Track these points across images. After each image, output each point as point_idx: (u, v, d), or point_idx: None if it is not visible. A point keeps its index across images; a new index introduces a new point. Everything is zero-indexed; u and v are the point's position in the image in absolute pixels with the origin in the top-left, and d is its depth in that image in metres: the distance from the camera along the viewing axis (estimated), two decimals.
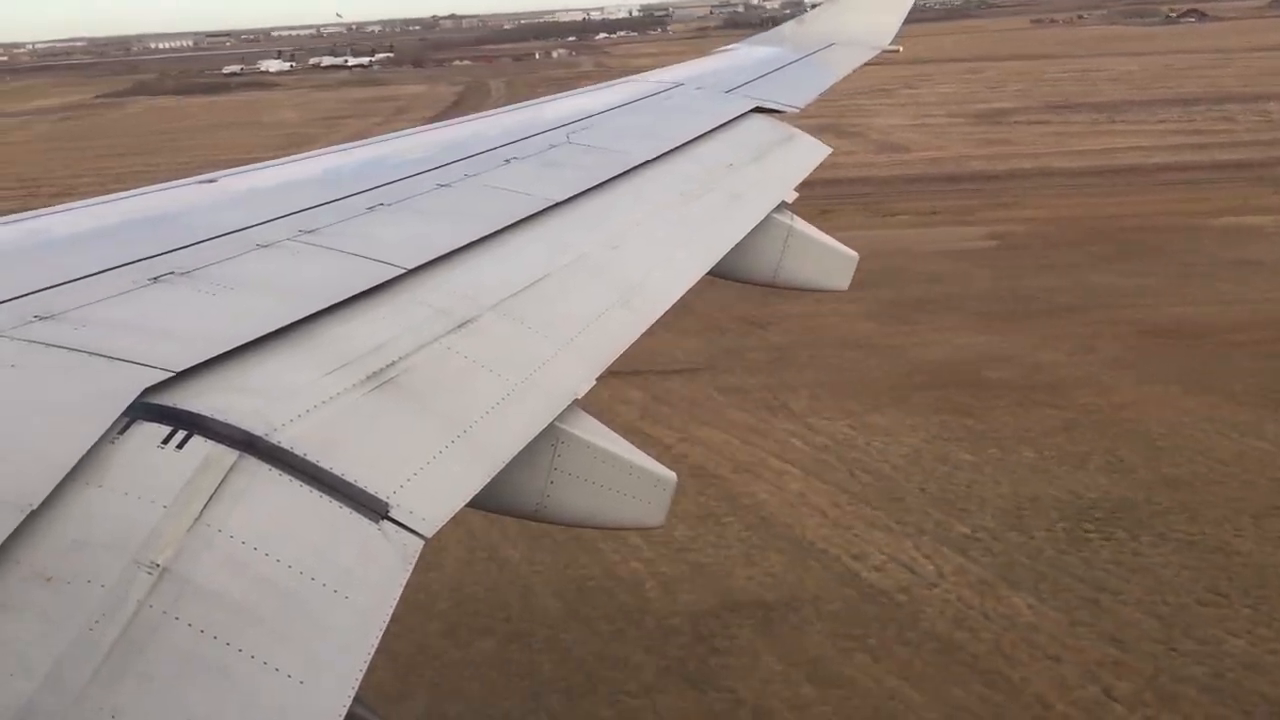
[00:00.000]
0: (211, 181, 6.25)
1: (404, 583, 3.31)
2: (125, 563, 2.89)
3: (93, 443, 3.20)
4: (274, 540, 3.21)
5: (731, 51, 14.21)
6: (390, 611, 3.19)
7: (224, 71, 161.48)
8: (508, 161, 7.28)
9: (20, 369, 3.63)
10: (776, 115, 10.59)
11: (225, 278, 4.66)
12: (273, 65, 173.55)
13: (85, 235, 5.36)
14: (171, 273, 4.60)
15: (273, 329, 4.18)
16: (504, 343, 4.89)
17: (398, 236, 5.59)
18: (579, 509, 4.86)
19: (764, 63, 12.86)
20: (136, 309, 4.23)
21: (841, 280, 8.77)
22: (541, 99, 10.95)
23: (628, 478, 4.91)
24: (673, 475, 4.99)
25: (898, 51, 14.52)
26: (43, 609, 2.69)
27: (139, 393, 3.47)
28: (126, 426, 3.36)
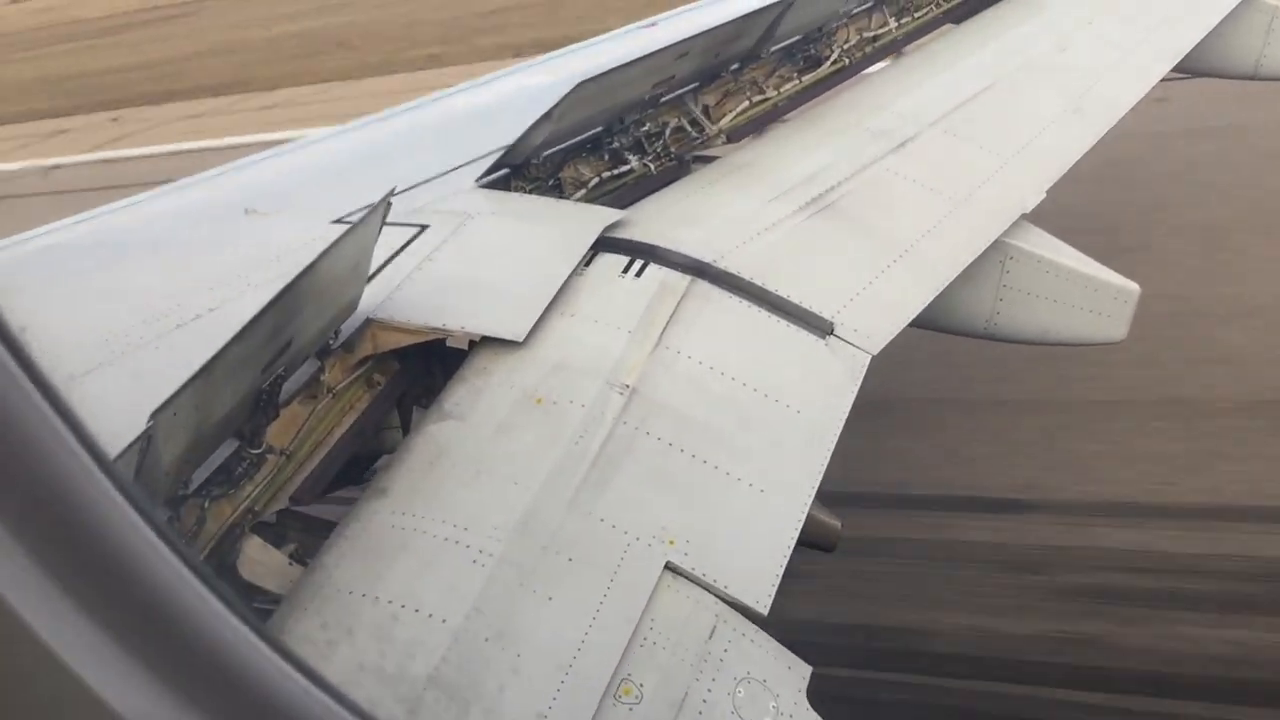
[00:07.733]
0: (653, 24, 6.42)
1: (853, 397, 3.38)
2: (600, 384, 3.15)
3: (568, 276, 3.51)
4: (727, 359, 3.38)
5: None
6: (841, 425, 3.27)
7: None
8: None
9: (512, 217, 4.04)
10: None
11: None
12: None
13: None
14: None
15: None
16: (945, 160, 4.74)
17: None
18: (1031, 326, 4.68)
19: None
20: None
21: None
22: None
23: (1084, 291, 4.65)
24: (1135, 286, 4.65)
25: None
26: (535, 427, 3.00)
27: (601, 229, 3.76)
28: (591, 259, 3.66)
